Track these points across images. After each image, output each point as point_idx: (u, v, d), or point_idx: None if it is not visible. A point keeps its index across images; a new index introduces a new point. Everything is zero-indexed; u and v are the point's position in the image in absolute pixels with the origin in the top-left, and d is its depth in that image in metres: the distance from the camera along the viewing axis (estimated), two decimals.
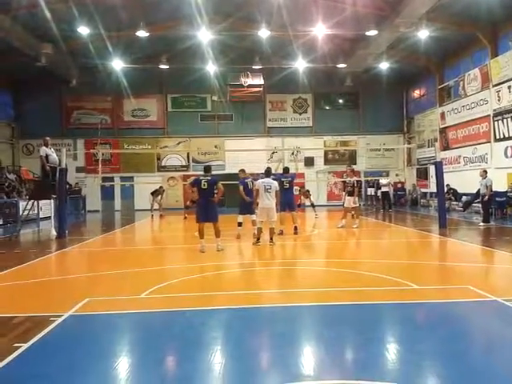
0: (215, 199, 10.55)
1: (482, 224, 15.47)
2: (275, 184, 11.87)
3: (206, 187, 10.44)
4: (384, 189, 24.31)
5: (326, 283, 7.42)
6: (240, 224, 13.01)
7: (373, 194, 28.65)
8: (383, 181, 24.62)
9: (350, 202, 16.07)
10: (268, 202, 11.52)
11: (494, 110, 20.56)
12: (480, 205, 17.02)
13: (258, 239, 11.60)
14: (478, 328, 5.36)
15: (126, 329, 5.52)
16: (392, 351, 4.53)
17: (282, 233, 13.51)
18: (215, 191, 10.60)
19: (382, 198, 24.76)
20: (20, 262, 9.51)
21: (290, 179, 13.89)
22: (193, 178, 12.34)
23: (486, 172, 16.10)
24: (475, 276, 8.01)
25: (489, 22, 19.97)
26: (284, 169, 14.49)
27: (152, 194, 23.31)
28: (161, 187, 23.87)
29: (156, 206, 23.37)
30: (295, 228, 13.73)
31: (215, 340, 4.95)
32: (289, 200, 13.82)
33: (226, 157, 28.72)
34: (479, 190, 16.41)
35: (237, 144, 28.31)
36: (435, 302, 6.19)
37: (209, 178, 10.67)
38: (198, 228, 10.70)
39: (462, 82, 23.37)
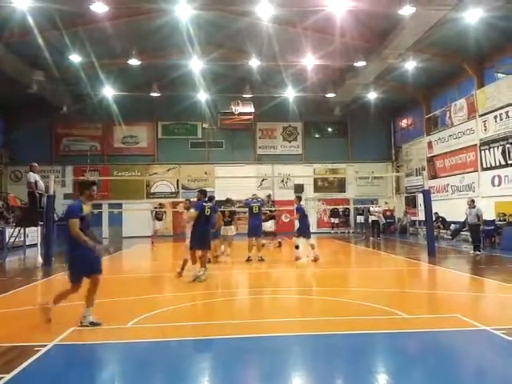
0: (213, 226, 10.66)
1: (478, 253, 15.26)
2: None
3: (208, 214, 10.58)
4: (374, 217, 24.09)
5: (314, 312, 7.35)
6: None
7: (362, 221, 28.75)
8: (375, 209, 24.37)
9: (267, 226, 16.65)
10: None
11: (481, 140, 20.87)
12: (469, 233, 17.03)
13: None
14: (469, 358, 5.33)
15: (112, 359, 5.41)
16: (382, 382, 4.47)
17: (248, 259, 13.88)
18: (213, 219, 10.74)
19: (371, 225, 24.63)
20: (5, 290, 9.35)
21: (259, 204, 14.20)
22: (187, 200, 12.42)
23: (473, 201, 16.10)
24: (464, 305, 7.99)
25: (475, 54, 20.43)
26: (253, 195, 14.89)
27: (157, 217, 21.36)
28: (160, 205, 22.42)
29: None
30: (260, 257, 13.99)
31: (203, 371, 4.86)
32: (256, 226, 14.20)
33: (215, 184, 28.76)
34: (466, 218, 16.32)
35: (227, 171, 28.39)
36: (424, 331, 6.16)
37: (210, 205, 10.78)
38: (189, 255, 10.52)
39: (448, 112, 23.79)
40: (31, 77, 22.14)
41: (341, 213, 30.77)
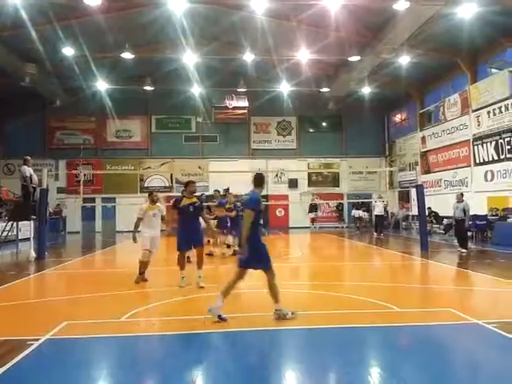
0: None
1: (464, 251, 14.46)
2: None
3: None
4: (378, 212, 22.59)
5: (307, 306, 7.34)
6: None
7: (357, 216, 28.71)
8: (379, 203, 22.85)
9: None
10: None
11: (474, 135, 20.97)
12: (454, 230, 15.89)
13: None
14: (460, 352, 5.37)
15: (105, 353, 5.41)
16: (375, 376, 4.50)
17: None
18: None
19: (376, 221, 23.28)
20: None
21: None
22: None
23: (462, 195, 15.32)
24: (456, 299, 8.04)
25: (468, 49, 20.49)
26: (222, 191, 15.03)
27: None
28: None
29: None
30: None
31: (196, 365, 4.87)
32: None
33: (209, 178, 28.73)
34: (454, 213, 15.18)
35: (221, 165, 28.33)
36: (417, 324, 6.19)
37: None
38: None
39: (442, 107, 23.87)
40: (24, 70, 22.00)
41: (335, 207, 30.85)
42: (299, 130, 31.38)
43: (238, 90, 27.06)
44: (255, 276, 10.60)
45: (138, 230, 9.55)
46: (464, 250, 14.51)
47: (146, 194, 10.48)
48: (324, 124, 31.77)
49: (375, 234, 22.25)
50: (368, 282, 9.67)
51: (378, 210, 22.68)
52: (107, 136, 30.33)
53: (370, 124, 30.90)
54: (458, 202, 15.04)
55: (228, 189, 17.20)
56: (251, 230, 6.23)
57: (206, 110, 29.13)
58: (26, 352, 4.99)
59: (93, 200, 27.33)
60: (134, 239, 9.45)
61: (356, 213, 28.64)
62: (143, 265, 9.60)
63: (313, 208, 29.70)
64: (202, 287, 8.52)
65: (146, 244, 9.53)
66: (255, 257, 6.27)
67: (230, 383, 4.35)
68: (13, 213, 15.98)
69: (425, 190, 16.67)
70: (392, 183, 30.94)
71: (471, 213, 18.43)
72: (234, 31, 21.32)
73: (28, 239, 14.95)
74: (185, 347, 5.47)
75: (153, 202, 9.73)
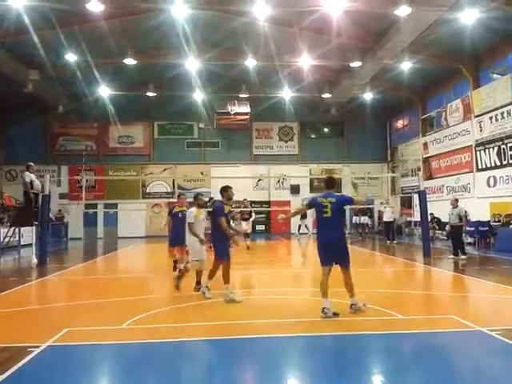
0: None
1: (463, 257, 14.30)
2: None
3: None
4: (387, 218, 21.67)
5: (309, 313, 7.29)
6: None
7: (359, 222, 28.61)
8: (388, 209, 21.83)
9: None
10: None
11: (476, 141, 20.93)
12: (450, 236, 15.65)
13: None
14: (464, 359, 5.33)
15: (106, 360, 5.38)
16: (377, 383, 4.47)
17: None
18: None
19: (385, 227, 22.45)
20: None
21: None
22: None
23: (457, 201, 15.01)
24: (459, 306, 8.00)
25: (470, 55, 20.52)
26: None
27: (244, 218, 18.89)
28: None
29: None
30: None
31: (197, 372, 4.84)
32: None
33: (211, 184, 28.73)
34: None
35: (223, 171, 28.32)
36: (420, 332, 6.15)
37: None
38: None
39: (444, 113, 23.86)
40: (27, 76, 22.07)
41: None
42: (301, 135, 31.41)
43: (240, 95, 27.14)
44: (260, 282, 10.53)
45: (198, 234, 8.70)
46: (463, 257, 14.34)
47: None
48: (326, 129, 31.79)
49: (388, 241, 21.21)
50: (370, 289, 9.60)
51: (386, 216, 21.73)
52: (109, 142, 30.40)
53: (372, 130, 30.89)
54: (453, 207, 14.83)
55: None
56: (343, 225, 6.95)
57: (208, 115, 29.17)
58: (27, 359, 4.97)
59: (95, 206, 27.32)
60: (202, 241, 8.67)
61: (360, 219, 28.48)
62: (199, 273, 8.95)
63: (304, 215, 28.42)
64: (209, 298, 8.35)
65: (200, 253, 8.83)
66: (341, 253, 7.13)
67: None
68: (15, 218, 16.00)
69: (427, 195, 16.62)
70: (394, 189, 30.88)
71: (473, 219, 18.51)
72: (236, 37, 21.39)
73: (30, 245, 14.96)
74: (186, 354, 5.43)
75: (199, 206, 9.06)
